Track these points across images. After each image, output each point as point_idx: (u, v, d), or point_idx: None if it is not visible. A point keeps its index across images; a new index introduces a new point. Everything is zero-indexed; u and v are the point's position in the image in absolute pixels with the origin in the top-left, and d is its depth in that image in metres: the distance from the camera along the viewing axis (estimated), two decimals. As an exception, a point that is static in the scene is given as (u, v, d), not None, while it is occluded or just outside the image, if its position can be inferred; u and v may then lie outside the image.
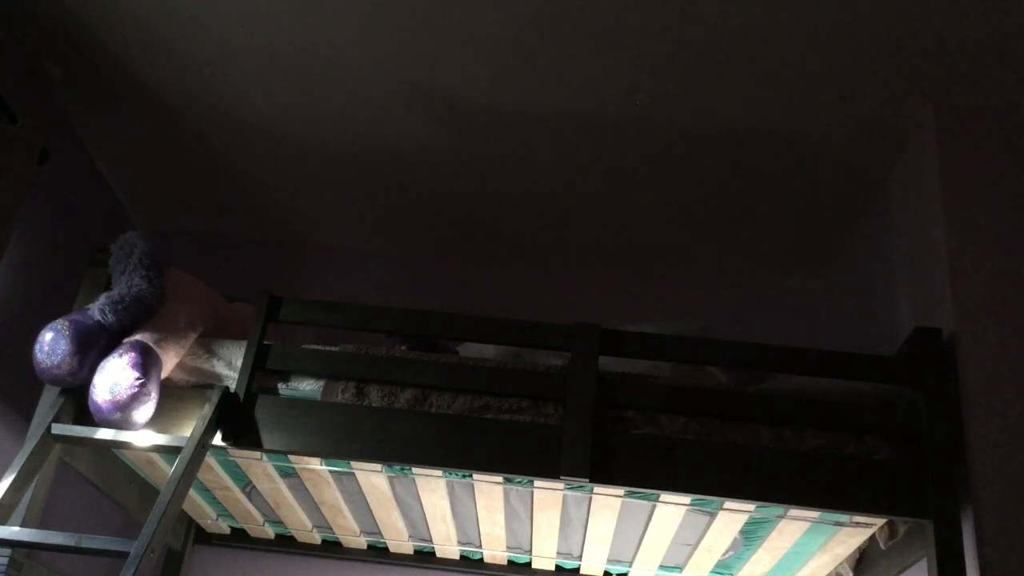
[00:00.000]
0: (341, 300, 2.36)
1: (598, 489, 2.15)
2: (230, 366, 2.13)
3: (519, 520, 2.47)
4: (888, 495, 1.94)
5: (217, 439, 2.02)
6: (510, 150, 2.80)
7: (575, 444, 1.96)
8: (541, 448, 1.98)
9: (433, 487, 2.30)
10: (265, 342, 2.14)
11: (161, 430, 2.03)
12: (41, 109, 2.63)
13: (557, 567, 2.78)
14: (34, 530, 1.92)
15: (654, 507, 2.20)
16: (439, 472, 2.20)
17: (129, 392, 1.91)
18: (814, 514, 2.10)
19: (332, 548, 2.85)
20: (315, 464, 2.27)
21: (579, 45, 2.36)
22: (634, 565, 2.62)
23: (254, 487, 2.50)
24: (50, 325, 1.99)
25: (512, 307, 2.80)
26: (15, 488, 1.89)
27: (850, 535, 2.20)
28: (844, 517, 2.11)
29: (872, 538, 2.22)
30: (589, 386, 2.03)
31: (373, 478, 2.30)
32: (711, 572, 2.58)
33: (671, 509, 2.19)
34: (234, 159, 3.00)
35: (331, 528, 2.71)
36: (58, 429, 1.99)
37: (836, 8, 2.16)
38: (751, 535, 2.31)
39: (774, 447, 2.01)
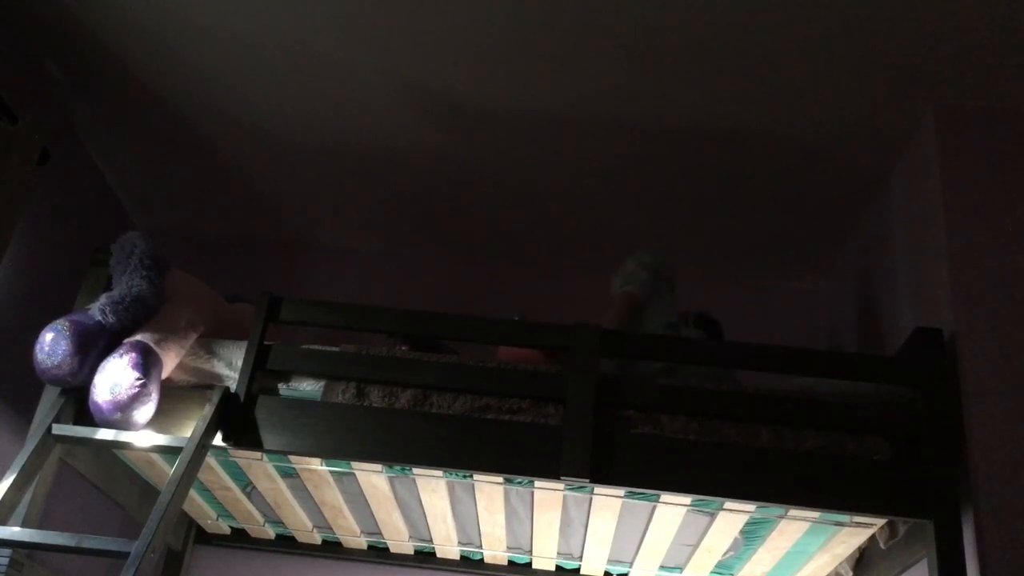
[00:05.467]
0: (341, 300, 2.36)
1: (598, 489, 2.15)
2: (230, 366, 2.13)
3: (519, 520, 2.47)
4: (888, 495, 1.94)
5: (217, 439, 2.02)
6: (510, 150, 2.80)
7: (575, 444, 1.96)
8: (541, 448, 1.98)
9: (433, 487, 2.30)
10: (265, 342, 2.14)
11: (161, 430, 2.03)
12: (41, 109, 2.63)
13: (557, 567, 2.78)
14: (34, 530, 1.92)
15: (654, 507, 2.20)
16: (439, 472, 2.20)
17: (130, 392, 1.91)
18: (814, 514, 2.10)
19: (332, 548, 2.85)
20: (315, 464, 2.27)
21: (578, 45, 2.36)
22: (634, 565, 2.62)
23: (254, 487, 2.50)
24: (51, 325, 1.99)
25: (512, 307, 2.80)
26: (15, 488, 1.89)
27: (850, 535, 2.20)
28: (844, 517, 2.11)
29: (872, 538, 2.22)
30: (589, 386, 2.03)
31: (373, 478, 2.30)
32: (712, 572, 2.58)
33: (671, 509, 2.19)
34: (234, 159, 3.00)
35: (331, 528, 2.71)
36: (58, 429, 1.99)
37: (836, 8, 2.16)
38: (751, 535, 2.31)
39: (774, 447, 2.01)
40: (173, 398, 2.08)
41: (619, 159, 2.78)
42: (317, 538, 2.81)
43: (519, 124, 2.68)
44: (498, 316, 2.32)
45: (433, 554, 2.80)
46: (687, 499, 2.12)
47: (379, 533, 2.70)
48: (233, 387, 2.08)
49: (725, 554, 2.45)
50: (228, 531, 2.86)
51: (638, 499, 2.17)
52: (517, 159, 2.84)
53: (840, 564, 2.41)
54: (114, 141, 2.97)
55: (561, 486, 2.17)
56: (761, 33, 2.25)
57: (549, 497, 2.25)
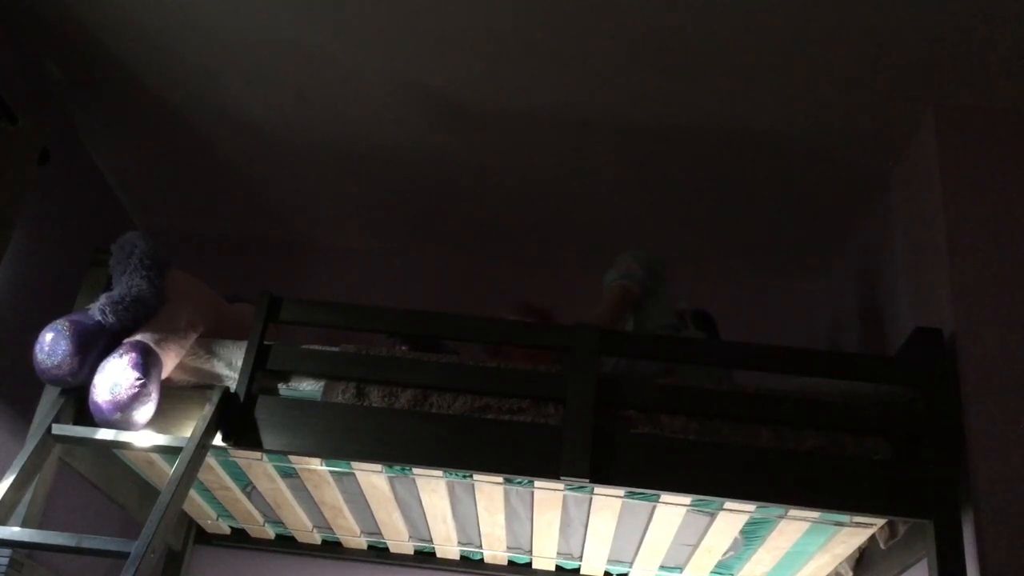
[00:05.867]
0: (341, 300, 2.36)
1: (598, 489, 2.15)
2: (230, 366, 2.13)
3: (519, 520, 2.47)
4: (888, 495, 1.94)
5: (217, 439, 2.02)
6: (510, 150, 2.81)
7: (575, 444, 1.96)
8: (541, 448, 1.98)
9: (433, 487, 2.30)
10: (265, 342, 2.14)
11: (161, 430, 2.03)
12: (41, 109, 2.63)
13: (557, 567, 2.78)
14: (34, 530, 1.92)
15: (654, 507, 2.20)
16: (439, 472, 2.20)
17: (129, 392, 1.90)
18: (814, 514, 2.10)
19: (332, 548, 2.85)
20: (315, 464, 2.27)
21: (579, 45, 2.36)
22: (634, 565, 2.62)
23: (254, 487, 2.50)
24: (51, 325, 1.99)
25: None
26: (15, 488, 1.89)
27: (850, 535, 2.20)
28: (844, 517, 2.11)
29: (872, 538, 2.22)
30: (589, 386, 2.03)
31: (373, 478, 2.30)
32: (711, 572, 2.58)
33: (671, 509, 2.19)
34: (234, 159, 3.00)
35: (331, 528, 2.71)
36: (58, 429, 1.99)
37: (836, 8, 2.16)
38: (751, 535, 2.31)
39: (774, 447, 2.01)
40: (173, 398, 2.08)
41: (619, 159, 2.78)
42: (317, 538, 2.81)
43: (519, 124, 2.68)
44: (498, 316, 2.31)
45: (433, 554, 2.80)
46: (687, 499, 2.12)
47: (379, 533, 2.70)
48: (233, 387, 2.08)
49: (725, 554, 2.45)
50: (228, 531, 2.86)
51: (638, 499, 2.17)
52: (517, 159, 2.84)
53: (840, 564, 2.41)
54: (114, 141, 2.97)
55: (561, 486, 2.17)
56: (761, 33, 2.25)
57: (549, 497, 2.25)
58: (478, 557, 2.79)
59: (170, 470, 2.18)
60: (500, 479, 2.20)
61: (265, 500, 2.56)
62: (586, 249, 3.25)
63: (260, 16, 2.38)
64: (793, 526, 2.18)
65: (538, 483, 2.17)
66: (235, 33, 2.45)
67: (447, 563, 2.82)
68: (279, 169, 3.03)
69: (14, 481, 1.88)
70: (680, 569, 2.59)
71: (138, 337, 2.01)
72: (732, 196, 2.88)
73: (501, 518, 2.44)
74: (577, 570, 2.77)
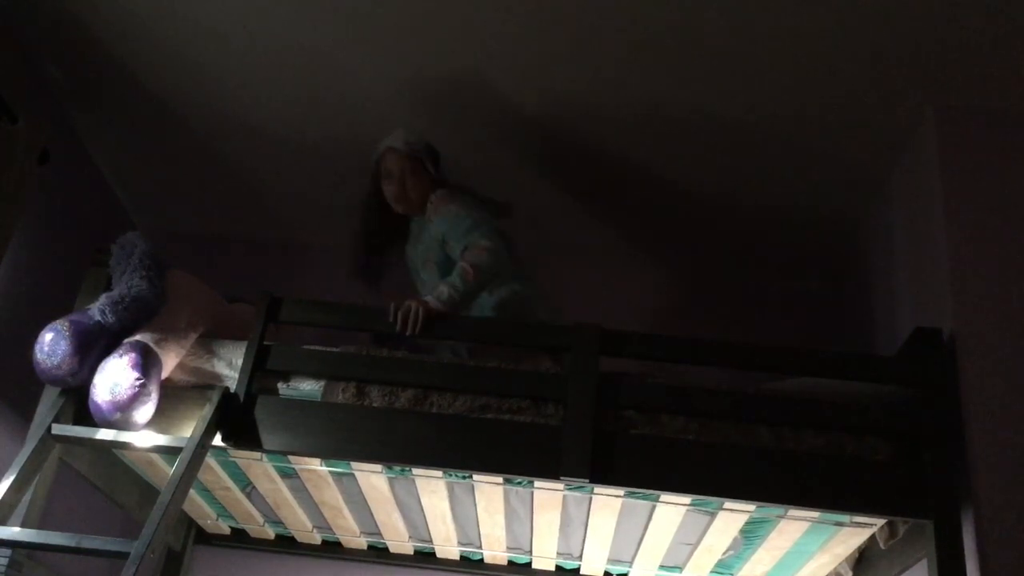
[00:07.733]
0: (341, 300, 2.35)
1: (598, 489, 2.15)
2: (230, 366, 2.13)
3: (519, 521, 2.47)
4: (888, 495, 1.94)
5: (217, 440, 2.02)
6: (507, 149, 2.80)
7: (575, 444, 1.96)
8: (541, 448, 1.98)
9: (433, 488, 2.30)
10: (265, 342, 2.14)
11: (161, 430, 2.03)
12: (41, 109, 2.63)
13: (557, 567, 2.78)
14: (34, 530, 1.92)
15: (654, 507, 2.20)
16: (439, 473, 2.20)
17: (129, 392, 1.90)
18: (814, 514, 2.10)
19: (332, 548, 2.85)
20: (315, 465, 2.27)
21: (579, 44, 2.36)
22: (634, 565, 2.62)
23: (254, 487, 2.50)
24: (50, 325, 1.99)
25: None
26: (15, 488, 1.89)
27: (850, 535, 2.20)
28: (844, 517, 2.11)
29: (872, 538, 2.22)
30: (589, 386, 2.03)
31: (373, 479, 2.30)
32: (711, 572, 2.58)
33: (671, 509, 2.19)
34: (234, 159, 3.00)
35: (331, 528, 2.71)
36: (58, 429, 1.99)
37: (837, 8, 2.16)
38: (751, 535, 2.31)
39: (774, 447, 2.01)
40: (173, 398, 2.08)
41: (618, 159, 2.78)
42: (317, 538, 2.81)
43: (517, 123, 2.67)
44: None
45: (433, 554, 2.80)
46: (687, 499, 2.12)
47: (379, 533, 2.70)
48: (233, 387, 2.08)
49: (725, 553, 2.45)
50: (228, 531, 2.85)
51: (638, 499, 2.17)
52: (515, 158, 2.84)
53: (840, 564, 2.41)
54: (114, 141, 2.97)
55: (561, 486, 2.17)
56: (762, 33, 2.25)
57: (549, 498, 2.25)
58: (478, 557, 2.79)
59: (170, 470, 2.18)
60: (500, 479, 2.20)
61: (265, 500, 2.56)
62: (585, 249, 3.25)
63: (260, 16, 2.38)
64: (793, 526, 2.18)
65: (538, 483, 2.17)
66: (235, 33, 2.45)
67: (447, 563, 2.82)
68: (279, 169, 3.03)
69: (14, 481, 1.88)
70: (680, 569, 2.59)
71: (138, 337, 2.01)
72: (733, 196, 2.88)
73: (501, 518, 2.44)
74: (577, 570, 2.77)
